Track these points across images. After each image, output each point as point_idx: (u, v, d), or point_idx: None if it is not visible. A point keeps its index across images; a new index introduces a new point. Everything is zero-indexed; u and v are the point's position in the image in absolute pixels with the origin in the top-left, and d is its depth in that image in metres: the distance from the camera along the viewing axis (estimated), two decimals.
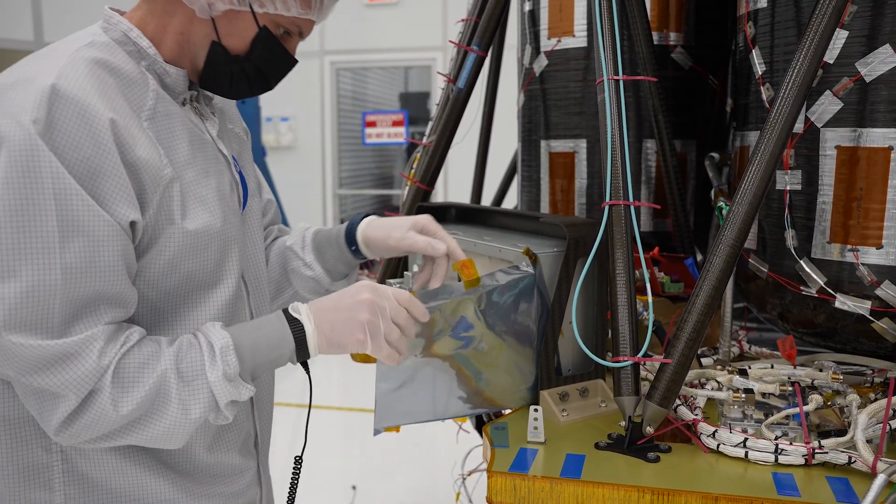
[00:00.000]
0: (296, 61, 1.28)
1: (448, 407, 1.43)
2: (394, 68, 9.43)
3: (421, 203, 2.04)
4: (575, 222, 1.53)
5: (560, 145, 2.27)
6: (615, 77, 1.54)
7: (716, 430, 1.33)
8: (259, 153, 6.32)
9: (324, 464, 4.52)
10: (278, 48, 1.22)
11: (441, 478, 4.09)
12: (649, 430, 1.33)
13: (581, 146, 2.21)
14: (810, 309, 1.65)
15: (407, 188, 2.32)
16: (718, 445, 1.31)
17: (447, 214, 2.05)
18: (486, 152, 2.93)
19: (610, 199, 1.47)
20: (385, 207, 9.45)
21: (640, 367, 1.63)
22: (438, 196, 7.50)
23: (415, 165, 2.33)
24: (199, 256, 1.19)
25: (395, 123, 7.31)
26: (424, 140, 2.33)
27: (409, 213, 2.11)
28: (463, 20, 2.44)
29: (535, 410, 1.35)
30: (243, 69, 1.22)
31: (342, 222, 1.52)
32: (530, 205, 2.42)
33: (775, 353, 1.84)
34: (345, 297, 1.19)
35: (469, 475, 2.12)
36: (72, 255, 1.03)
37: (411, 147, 9.01)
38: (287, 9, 1.18)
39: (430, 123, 2.35)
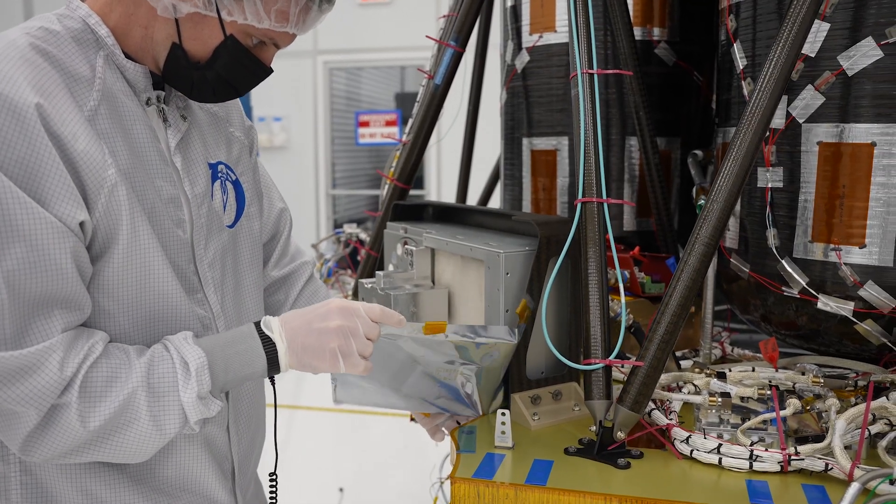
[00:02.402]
0: (270, 71, 1.19)
1: (407, 402, 1.39)
2: (389, 68, 9.39)
3: (397, 202, 1.99)
4: (548, 220, 1.48)
5: (542, 143, 2.22)
6: (589, 71, 1.49)
7: (689, 436, 1.28)
8: None
9: (312, 465, 4.47)
10: (247, 58, 1.14)
11: (428, 481, 4.04)
12: (620, 435, 1.28)
13: (563, 143, 2.16)
14: (793, 310, 1.60)
15: (387, 186, 2.28)
16: (692, 451, 1.26)
17: (424, 213, 2.00)
18: (470, 151, 2.88)
19: (583, 196, 1.42)
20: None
21: (616, 369, 1.59)
22: (431, 195, 7.44)
23: (394, 163, 2.29)
24: (151, 268, 1.12)
25: (389, 123, 7.25)
26: (404, 138, 2.28)
27: (388, 211, 2.06)
28: (444, 16, 2.40)
29: (503, 414, 1.31)
30: (205, 76, 1.14)
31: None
32: (512, 203, 2.37)
33: (758, 355, 1.79)
34: (315, 321, 1.14)
35: (448, 479, 2.06)
36: (12, 261, 0.97)
37: None
38: (259, 20, 1.08)
39: (410, 121, 2.31)
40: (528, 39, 2.20)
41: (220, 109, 1.34)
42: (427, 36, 2.31)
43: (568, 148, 2.15)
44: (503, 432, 1.31)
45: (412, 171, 2.08)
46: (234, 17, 1.08)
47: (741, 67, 1.64)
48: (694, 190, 1.82)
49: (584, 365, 1.33)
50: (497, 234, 1.64)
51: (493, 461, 1.27)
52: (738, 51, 1.66)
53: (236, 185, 1.31)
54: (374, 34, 7.35)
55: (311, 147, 7.56)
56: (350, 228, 2.66)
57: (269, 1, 1.07)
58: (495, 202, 3.08)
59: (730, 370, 1.54)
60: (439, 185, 7.35)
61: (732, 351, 1.87)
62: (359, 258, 2.62)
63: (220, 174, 1.28)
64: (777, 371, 1.52)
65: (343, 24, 7.42)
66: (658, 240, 2.05)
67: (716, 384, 1.43)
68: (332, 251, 2.77)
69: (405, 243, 1.79)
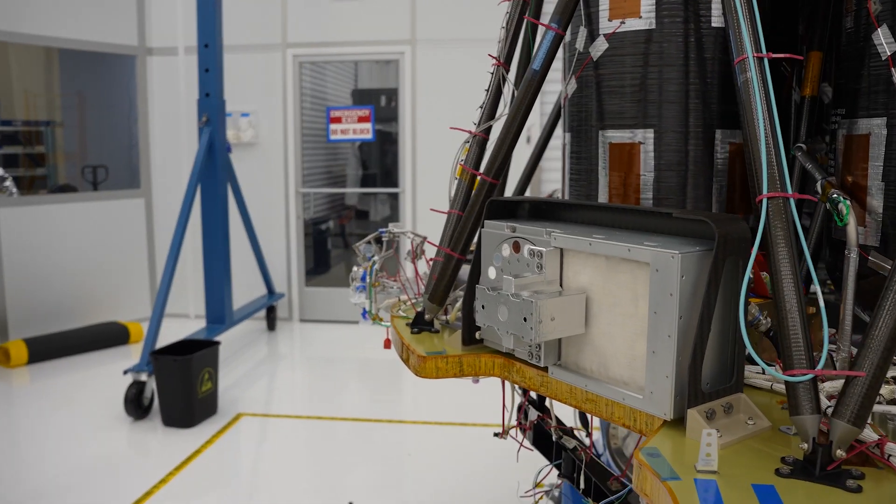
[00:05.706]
0: None
1: None
2: (342, 63, 9.15)
3: (493, 198, 1.83)
4: (718, 218, 1.35)
5: (620, 136, 2.09)
6: (759, 55, 1.37)
7: None
8: (224, 150, 5.95)
9: (351, 480, 4.27)
10: None
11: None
12: (840, 453, 1.16)
13: (647, 136, 2.04)
14: None
15: (456, 182, 2.11)
16: None
17: (519, 210, 1.85)
18: (544, 144, 2.77)
19: (767, 192, 1.30)
20: (342, 207, 9.15)
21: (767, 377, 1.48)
22: (406, 194, 7.24)
23: (464, 157, 2.13)
24: None
25: (361, 119, 7.03)
26: (475, 129, 2.12)
27: (474, 208, 1.90)
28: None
29: (709, 435, 1.17)
30: None
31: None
32: (581, 199, 2.24)
33: None
34: None
35: (540, 488, 1.92)
36: None
37: (363, 145, 8.74)
38: None
39: (479, 112, 2.15)
40: (608, 26, 2.07)
41: None
42: (528, 17, 2.15)
43: (653, 141, 2.03)
44: (708, 454, 1.17)
45: (501, 166, 1.92)
46: None
47: (889, 53, 1.55)
48: (819, 185, 1.72)
49: (789, 376, 1.21)
50: (637, 234, 1.50)
51: (708, 488, 1.13)
52: (883, 36, 1.56)
53: None
54: (345, 28, 7.11)
55: (280, 143, 7.25)
56: (395, 228, 2.47)
57: None
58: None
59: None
60: (414, 184, 7.16)
61: None
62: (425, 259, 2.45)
63: None
64: None
65: (314, 18, 7.15)
66: None
67: None
68: (370, 252, 2.57)
69: (516, 244, 1.64)
